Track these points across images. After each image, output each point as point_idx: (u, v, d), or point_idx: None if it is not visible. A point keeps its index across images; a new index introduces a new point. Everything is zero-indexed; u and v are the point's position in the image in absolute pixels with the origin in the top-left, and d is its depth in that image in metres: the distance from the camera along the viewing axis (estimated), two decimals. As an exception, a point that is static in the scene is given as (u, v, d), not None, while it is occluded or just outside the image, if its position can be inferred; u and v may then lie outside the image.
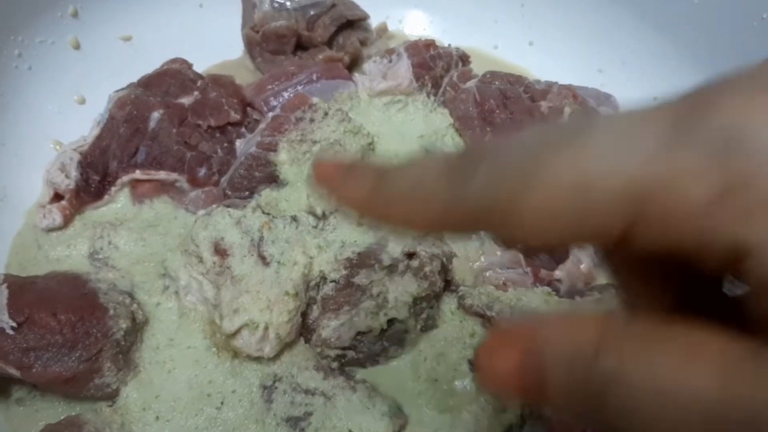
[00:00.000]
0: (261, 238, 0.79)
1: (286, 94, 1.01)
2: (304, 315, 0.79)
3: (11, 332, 0.72)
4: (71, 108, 1.05)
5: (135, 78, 1.00)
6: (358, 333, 0.77)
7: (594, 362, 0.31)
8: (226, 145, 0.97)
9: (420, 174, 0.36)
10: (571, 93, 0.95)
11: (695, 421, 0.28)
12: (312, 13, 1.11)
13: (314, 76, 1.03)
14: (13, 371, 0.72)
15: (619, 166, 0.28)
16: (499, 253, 0.92)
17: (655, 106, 0.30)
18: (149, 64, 1.03)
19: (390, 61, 1.08)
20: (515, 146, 0.32)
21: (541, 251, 0.91)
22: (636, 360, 0.30)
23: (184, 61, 1.03)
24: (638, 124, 0.29)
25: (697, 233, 0.27)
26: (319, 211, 0.83)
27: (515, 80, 0.99)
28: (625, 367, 0.30)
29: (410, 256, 0.78)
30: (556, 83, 1.02)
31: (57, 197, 0.91)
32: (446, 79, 1.08)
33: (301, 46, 1.12)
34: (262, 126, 0.96)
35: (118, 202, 0.93)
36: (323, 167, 0.40)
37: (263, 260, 0.78)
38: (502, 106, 0.95)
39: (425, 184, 0.35)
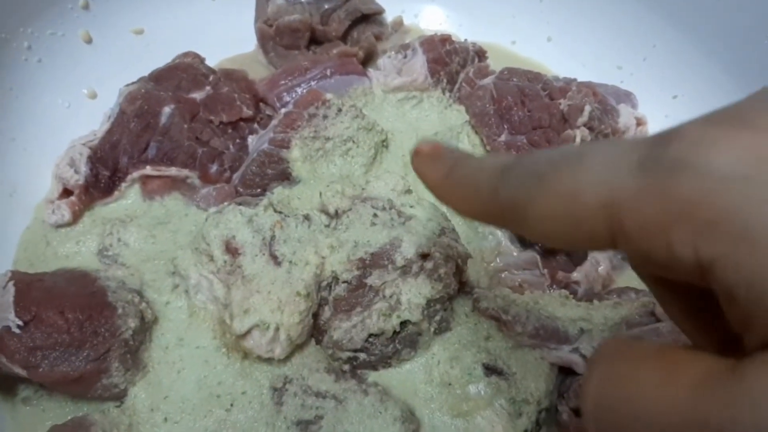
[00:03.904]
0: (273, 237, 0.77)
1: (299, 90, 1.00)
2: (316, 316, 0.77)
3: (18, 331, 0.70)
4: (81, 102, 1.04)
5: (146, 72, 0.99)
6: (370, 335, 0.76)
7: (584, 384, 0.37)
8: (238, 141, 0.96)
9: (479, 167, 0.43)
10: (591, 91, 0.93)
11: None
12: (326, 7, 1.10)
13: (328, 72, 1.02)
14: (20, 370, 0.70)
15: (600, 184, 0.33)
16: (515, 254, 0.90)
17: (635, 139, 0.35)
18: (161, 57, 1.02)
19: (405, 57, 1.06)
20: (540, 157, 0.38)
21: (559, 252, 0.90)
22: (619, 381, 0.34)
23: (196, 55, 1.02)
24: (621, 152, 0.34)
25: (664, 247, 0.31)
26: (331, 210, 0.81)
27: (533, 77, 0.97)
28: (606, 390, 0.35)
29: (424, 257, 0.76)
30: (575, 80, 1.00)
31: (66, 193, 0.90)
32: (462, 75, 1.06)
33: (315, 40, 1.11)
34: (274, 122, 0.94)
35: (128, 198, 0.92)
36: (422, 147, 0.49)
37: (275, 260, 0.76)
38: (520, 104, 0.93)
39: (479, 176, 0.42)
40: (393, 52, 1.07)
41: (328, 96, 0.95)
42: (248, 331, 0.74)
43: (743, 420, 0.27)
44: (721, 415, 0.28)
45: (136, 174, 0.91)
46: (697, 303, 0.41)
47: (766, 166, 0.29)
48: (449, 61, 1.05)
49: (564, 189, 0.35)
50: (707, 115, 0.33)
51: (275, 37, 1.08)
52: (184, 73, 0.97)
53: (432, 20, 1.24)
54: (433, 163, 0.48)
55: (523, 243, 0.91)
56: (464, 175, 0.45)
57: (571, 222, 0.35)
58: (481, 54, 1.10)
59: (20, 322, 0.71)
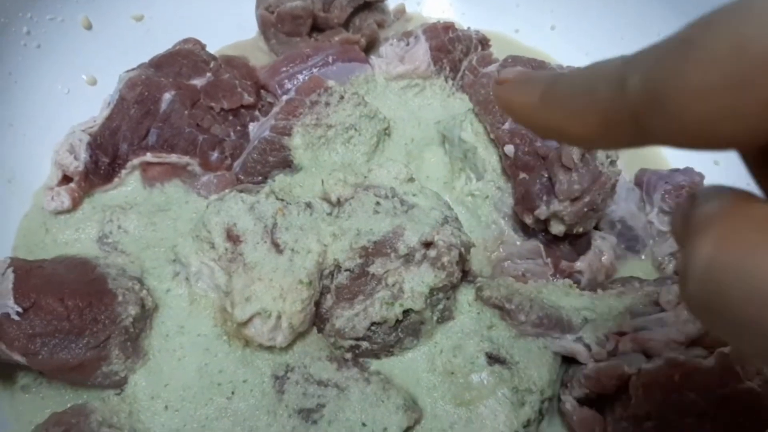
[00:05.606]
0: (274, 225, 0.77)
1: (301, 77, 0.99)
2: (318, 304, 0.77)
3: (17, 318, 0.70)
4: (81, 88, 1.03)
5: (147, 58, 0.98)
6: (373, 323, 0.75)
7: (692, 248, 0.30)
8: (239, 128, 0.95)
9: (589, 71, 0.35)
10: (596, 79, 0.92)
11: None
12: (328, -7, 1.09)
13: (330, 59, 1.01)
14: (19, 358, 0.70)
15: None
16: (518, 243, 0.89)
17: None
18: (161, 44, 1.01)
19: (407, 44, 1.05)
20: (664, 40, 0.31)
21: (562, 241, 0.89)
22: (742, 246, 0.28)
23: (196, 42, 1.01)
24: None
25: None
26: (333, 198, 0.80)
27: (538, 65, 0.96)
28: (722, 255, 0.28)
29: (427, 245, 0.76)
30: (579, 69, 0.99)
31: (66, 179, 0.89)
32: (465, 63, 1.05)
33: (317, 27, 1.10)
34: (276, 109, 0.93)
35: (128, 185, 0.91)
36: (506, 74, 0.42)
37: (276, 247, 0.75)
38: (524, 92, 0.92)
39: (592, 79, 0.35)
40: (395, 40, 1.07)
41: (330, 83, 0.94)
42: (250, 319, 0.73)
43: None
44: None
45: (136, 161, 0.90)
46: None
47: None
48: (452, 49, 1.04)
49: (723, 46, 0.27)
50: None
51: (277, 23, 1.07)
52: (184, 59, 0.96)
53: (435, 8, 1.23)
54: (522, 88, 0.40)
55: (526, 232, 0.90)
56: (569, 86, 0.37)
57: (735, 86, 0.27)
58: (484, 42, 1.09)
59: (19, 309, 0.70)
